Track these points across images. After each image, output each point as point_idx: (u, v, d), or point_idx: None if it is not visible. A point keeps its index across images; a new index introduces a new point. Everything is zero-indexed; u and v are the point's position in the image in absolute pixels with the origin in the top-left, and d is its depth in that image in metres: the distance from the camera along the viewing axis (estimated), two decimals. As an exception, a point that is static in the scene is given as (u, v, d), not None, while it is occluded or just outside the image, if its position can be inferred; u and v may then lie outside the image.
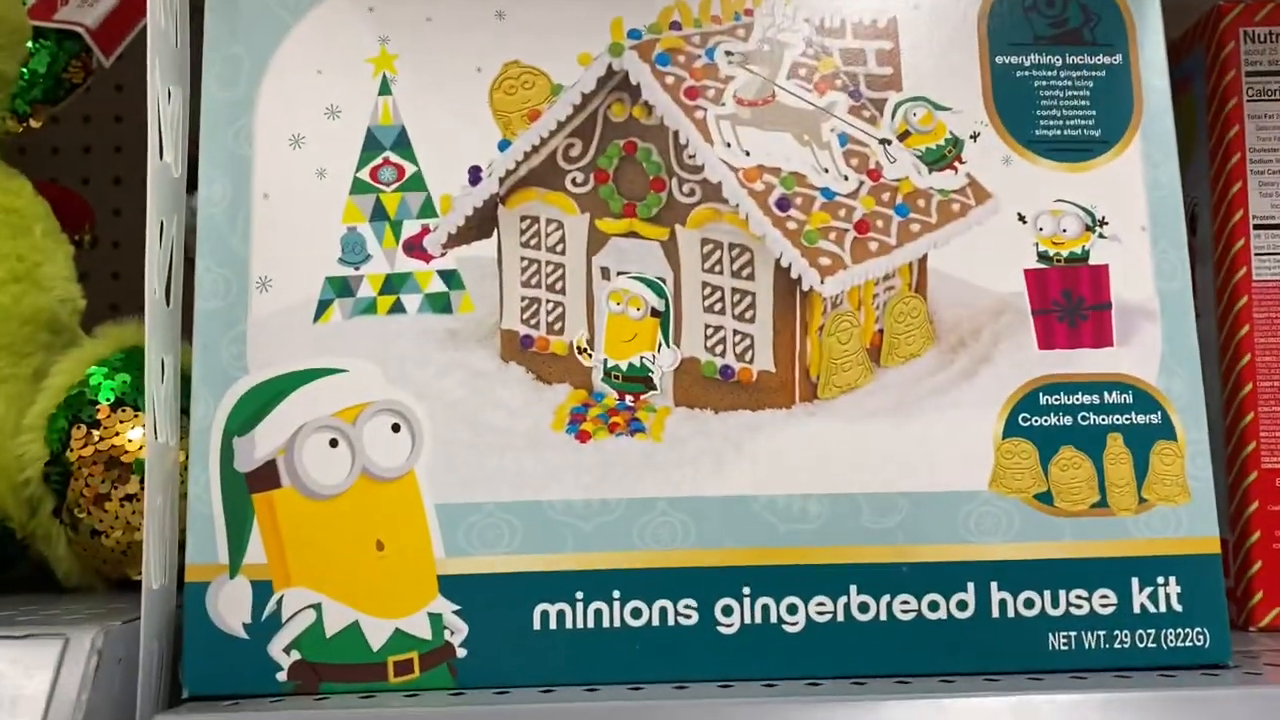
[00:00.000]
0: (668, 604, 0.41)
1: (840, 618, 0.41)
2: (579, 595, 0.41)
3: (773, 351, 0.43)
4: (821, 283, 0.43)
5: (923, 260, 0.44)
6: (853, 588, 0.42)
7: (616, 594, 0.41)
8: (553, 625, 0.41)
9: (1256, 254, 0.53)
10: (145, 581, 0.40)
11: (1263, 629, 0.51)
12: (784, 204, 0.44)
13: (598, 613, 0.41)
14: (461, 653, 0.41)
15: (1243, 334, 0.53)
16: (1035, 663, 0.41)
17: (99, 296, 0.62)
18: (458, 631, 0.41)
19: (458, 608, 0.41)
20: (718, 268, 0.44)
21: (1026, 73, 0.45)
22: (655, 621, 0.41)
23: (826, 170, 0.44)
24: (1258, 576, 0.51)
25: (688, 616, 0.41)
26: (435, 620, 0.41)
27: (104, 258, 0.74)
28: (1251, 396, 0.52)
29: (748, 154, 0.44)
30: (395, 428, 0.42)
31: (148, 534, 0.40)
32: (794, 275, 0.43)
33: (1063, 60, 0.45)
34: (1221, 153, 0.54)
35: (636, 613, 0.41)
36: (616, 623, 0.41)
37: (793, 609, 0.42)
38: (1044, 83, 0.45)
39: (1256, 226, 0.53)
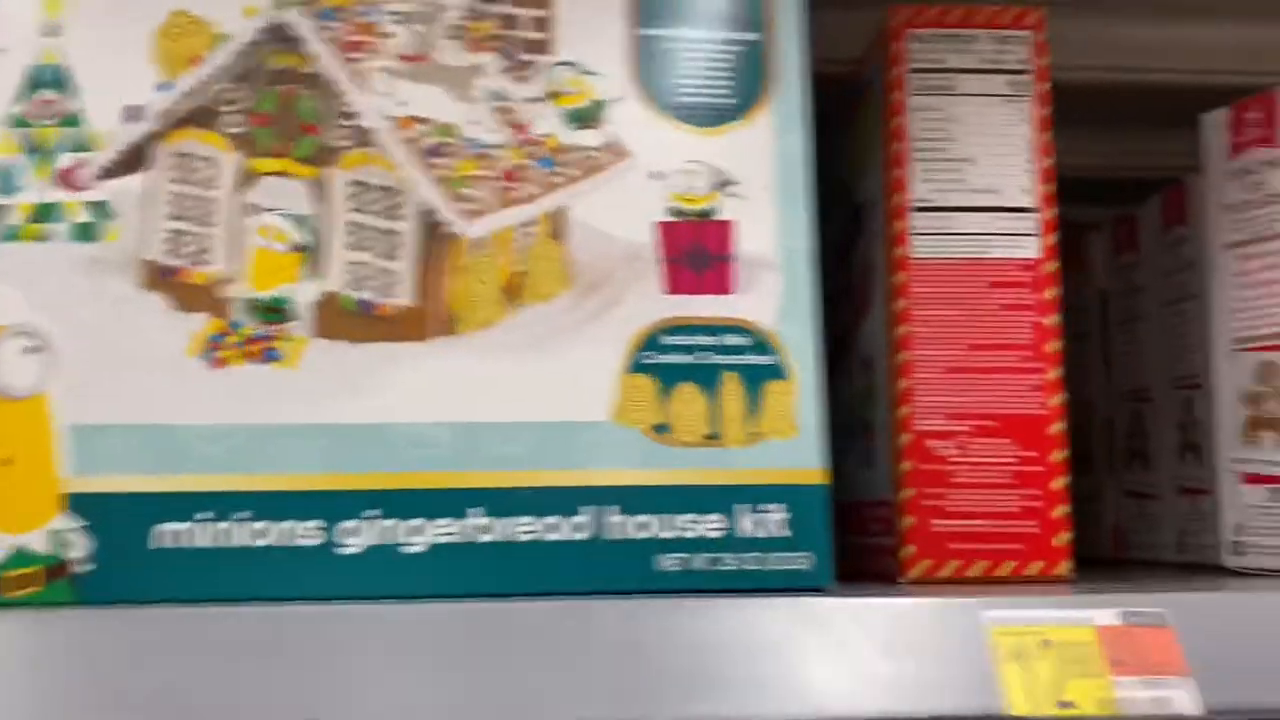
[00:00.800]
0: (293, 525, 0.43)
1: (462, 539, 0.43)
2: (202, 515, 0.42)
3: (415, 288, 0.46)
4: (466, 226, 0.46)
5: (563, 209, 0.47)
6: (475, 510, 0.44)
7: (241, 515, 0.43)
8: (174, 544, 0.42)
9: (914, 234, 0.57)
10: None
11: (912, 580, 0.55)
12: (434, 152, 0.46)
13: (222, 532, 0.42)
14: (83, 569, 0.42)
15: (900, 307, 0.57)
16: (646, 583, 0.44)
17: None
18: (79, 548, 0.42)
19: (81, 525, 0.42)
20: (365, 208, 0.46)
21: (669, 45, 0.49)
22: (279, 542, 0.43)
23: (477, 124, 0.47)
24: (910, 531, 0.55)
25: (311, 537, 0.43)
26: (57, 537, 0.42)
27: None
28: (908, 365, 0.56)
29: (403, 105, 0.47)
30: (31, 349, 0.43)
31: None
32: (440, 218, 0.46)
33: (703, 35, 0.49)
34: (888, 140, 0.59)
35: (260, 534, 0.43)
36: (239, 542, 0.42)
37: (416, 530, 0.43)
38: (684, 54, 0.49)
39: (916, 209, 0.58)
